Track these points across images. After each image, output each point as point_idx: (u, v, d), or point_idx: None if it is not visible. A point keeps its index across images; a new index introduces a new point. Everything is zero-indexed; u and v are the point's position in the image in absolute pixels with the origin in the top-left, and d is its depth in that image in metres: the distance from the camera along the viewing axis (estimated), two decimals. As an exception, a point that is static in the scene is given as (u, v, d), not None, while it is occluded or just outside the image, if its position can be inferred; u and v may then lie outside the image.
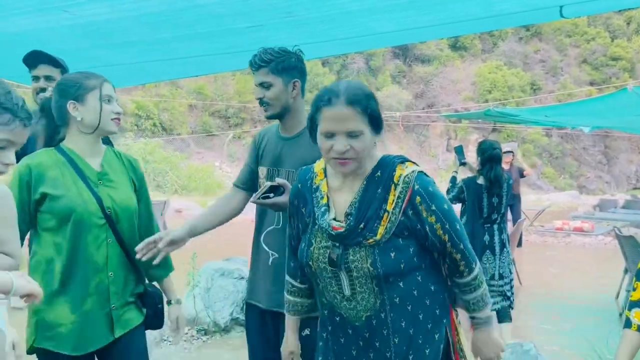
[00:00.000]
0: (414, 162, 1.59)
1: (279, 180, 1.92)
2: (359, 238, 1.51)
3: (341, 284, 1.56)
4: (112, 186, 1.93)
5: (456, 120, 28.63)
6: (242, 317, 4.53)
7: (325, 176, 1.60)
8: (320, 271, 1.58)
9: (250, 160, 2.23)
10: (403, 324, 1.55)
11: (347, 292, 1.56)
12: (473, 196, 4.41)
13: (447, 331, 1.65)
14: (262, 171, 2.16)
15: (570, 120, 8.24)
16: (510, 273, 4.69)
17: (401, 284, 1.54)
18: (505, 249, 4.55)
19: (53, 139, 1.95)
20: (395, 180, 1.51)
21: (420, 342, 1.57)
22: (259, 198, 1.92)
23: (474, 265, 1.60)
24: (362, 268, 1.51)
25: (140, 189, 2.04)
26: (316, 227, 1.58)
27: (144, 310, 2.04)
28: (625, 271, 5.84)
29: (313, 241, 1.58)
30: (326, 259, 1.55)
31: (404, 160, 1.57)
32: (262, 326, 2.18)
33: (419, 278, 1.56)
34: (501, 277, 4.55)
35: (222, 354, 4.26)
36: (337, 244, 1.54)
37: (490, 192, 4.41)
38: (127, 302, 1.96)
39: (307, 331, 2.05)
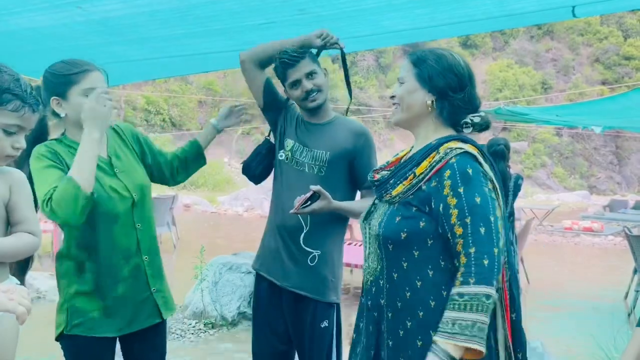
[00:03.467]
0: (477, 147, 1.45)
1: (313, 188, 1.96)
2: (383, 191, 1.49)
3: (366, 237, 1.55)
4: (125, 171, 1.90)
5: (466, 118, 28.52)
6: (249, 311, 4.56)
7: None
8: (361, 225, 1.59)
9: (282, 96, 2.30)
10: (399, 306, 1.43)
11: (365, 249, 1.53)
12: None
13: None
14: (289, 143, 2.21)
15: (582, 120, 8.18)
16: (517, 272, 4.71)
17: (404, 263, 1.41)
18: (512, 248, 4.55)
19: (42, 134, 1.89)
20: (440, 150, 1.42)
21: (419, 343, 1.40)
22: (302, 208, 1.96)
23: (483, 282, 1.29)
24: (374, 225, 1.48)
25: (143, 144, 2.06)
26: None
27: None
28: (635, 271, 5.82)
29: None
30: (366, 211, 1.58)
31: (466, 140, 1.46)
32: (270, 304, 2.22)
33: (421, 263, 1.40)
34: None
35: (229, 348, 4.29)
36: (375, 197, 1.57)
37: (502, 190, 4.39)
38: (163, 285, 1.99)
39: (325, 323, 2.09)
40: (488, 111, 10.41)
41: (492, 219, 1.34)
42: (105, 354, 1.89)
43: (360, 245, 4.56)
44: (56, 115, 1.83)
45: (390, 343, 1.45)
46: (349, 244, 6.84)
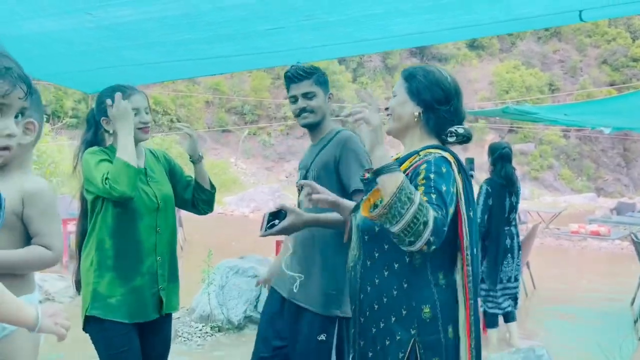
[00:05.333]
0: (455, 157, 1.61)
1: (277, 205, 2.02)
2: (369, 188, 1.62)
3: (352, 228, 1.74)
4: (157, 181, 2.27)
5: (472, 119, 28.41)
6: (255, 315, 4.58)
7: None
8: (350, 217, 1.78)
9: None
10: (369, 289, 1.61)
11: (353, 236, 1.72)
12: (498, 197, 4.37)
13: (418, 348, 1.53)
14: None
15: (590, 120, 8.08)
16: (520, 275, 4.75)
17: (376, 253, 1.59)
18: (519, 252, 4.56)
19: (97, 141, 2.29)
20: (420, 153, 1.60)
21: (381, 325, 1.58)
22: (266, 230, 1.96)
23: (430, 210, 1.43)
24: (358, 217, 1.67)
25: (173, 165, 2.42)
26: None
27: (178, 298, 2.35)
28: (642, 277, 5.79)
29: None
30: (354, 205, 1.79)
31: (447, 150, 1.62)
32: (278, 313, 2.30)
33: (389, 255, 1.56)
34: (516, 279, 4.56)
35: (235, 351, 4.31)
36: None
37: (509, 191, 4.40)
38: (173, 285, 2.28)
39: (323, 336, 2.08)
40: (495, 111, 10.39)
41: (449, 202, 1.48)
42: (122, 337, 2.12)
43: None
44: (106, 130, 2.22)
45: (362, 320, 1.64)
46: None
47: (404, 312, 1.55)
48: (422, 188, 1.48)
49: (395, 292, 1.56)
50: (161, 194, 2.25)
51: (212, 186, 2.45)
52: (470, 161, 4.90)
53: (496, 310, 4.45)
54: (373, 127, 1.46)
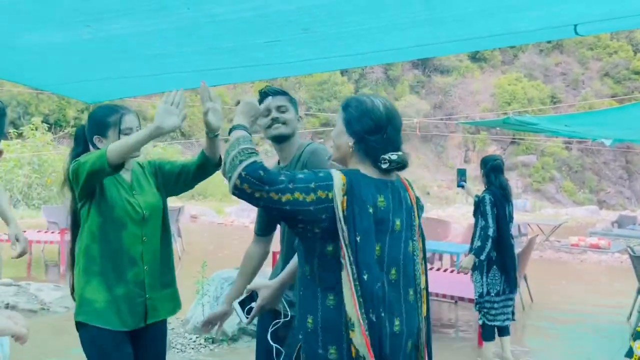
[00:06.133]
0: (346, 176, 1.70)
1: (245, 292, 2.04)
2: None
3: None
4: (143, 193, 2.32)
5: (474, 131, 28.43)
6: (249, 326, 4.55)
7: None
8: None
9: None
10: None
11: None
12: (501, 206, 4.37)
13: (302, 355, 1.65)
14: None
15: (591, 132, 8.06)
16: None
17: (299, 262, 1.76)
18: (517, 263, 4.55)
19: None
20: None
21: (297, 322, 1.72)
22: (246, 317, 2.00)
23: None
24: None
25: (161, 166, 2.44)
26: None
27: (177, 303, 2.39)
28: (638, 291, 5.75)
29: None
30: None
31: (345, 172, 1.72)
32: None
33: (299, 268, 1.73)
34: (515, 291, 4.54)
35: (230, 363, 4.29)
36: None
37: (508, 200, 4.42)
38: (161, 294, 2.30)
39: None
40: (496, 121, 10.39)
41: (290, 180, 1.58)
42: (110, 344, 2.14)
43: (466, 274, 4.44)
44: (97, 149, 2.27)
45: None
46: (452, 271, 6.50)
47: (299, 317, 1.70)
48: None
49: (299, 296, 1.72)
50: (147, 204, 2.30)
51: (218, 163, 2.39)
52: (461, 172, 4.90)
53: (495, 323, 4.43)
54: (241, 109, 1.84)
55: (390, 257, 1.65)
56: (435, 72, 31.22)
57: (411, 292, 1.70)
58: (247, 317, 1.99)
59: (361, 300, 1.56)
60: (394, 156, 1.68)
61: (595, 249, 10.50)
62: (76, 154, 2.31)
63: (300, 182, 1.58)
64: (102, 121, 2.28)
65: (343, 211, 1.58)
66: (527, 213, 20.45)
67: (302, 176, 1.60)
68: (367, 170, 1.70)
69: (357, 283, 1.57)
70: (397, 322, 1.63)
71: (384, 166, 1.68)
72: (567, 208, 24.40)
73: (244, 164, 1.56)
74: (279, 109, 2.33)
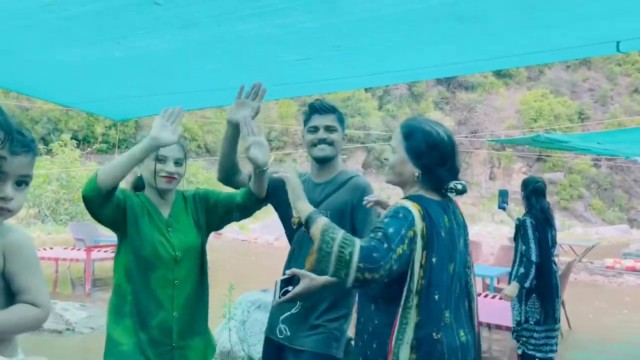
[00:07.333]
0: (422, 206, 1.73)
1: (288, 272, 1.98)
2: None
3: None
4: (177, 231, 2.14)
5: (500, 148, 28.07)
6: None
7: None
8: None
9: (278, 179, 2.35)
10: (362, 320, 1.78)
11: None
12: (542, 230, 4.22)
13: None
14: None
15: (624, 149, 7.83)
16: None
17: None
18: (559, 290, 4.38)
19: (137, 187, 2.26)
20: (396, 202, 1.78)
21: (369, 353, 1.72)
22: (279, 298, 1.94)
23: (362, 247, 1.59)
24: None
25: (208, 198, 2.25)
26: None
27: (211, 349, 2.21)
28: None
29: None
30: None
31: (414, 199, 1.76)
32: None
33: (377, 296, 1.75)
34: (557, 320, 4.33)
35: (256, 388, 4.19)
36: None
37: (550, 224, 4.28)
38: (192, 343, 2.12)
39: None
40: (525, 139, 10.19)
41: (396, 240, 1.57)
42: None
43: (508, 301, 4.33)
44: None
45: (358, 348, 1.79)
46: (485, 295, 6.19)
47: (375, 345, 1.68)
48: (373, 228, 1.63)
49: (375, 323, 1.70)
50: (181, 244, 2.12)
51: (264, 199, 2.26)
52: (504, 193, 4.76)
53: (535, 353, 4.23)
54: (292, 186, 1.77)
55: (458, 273, 1.72)
56: (460, 88, 31.04)
57: (466, 305, 1.77)
58: (279, 298, 1.93)
59: (424, 319, 1.61)
60: (459, 185, 1.75)
61: (632, 272, 10.12)
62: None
63: (395, 236, 1.58)
64: None
65: (423, 237, 1.63)
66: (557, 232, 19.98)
67: (392, 230, 1.59)
68: (430, 194, 1.75)
69: (425, 302, 1.62)
70: (462, 333, 1.68)
71: (451, 195, 1.76)
72: (597, 227, 23.80)
73: (355, 255, 1.49)
74: (327, 128, 2.23)
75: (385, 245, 1.54)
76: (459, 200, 1.87)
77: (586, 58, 31.08)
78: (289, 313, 2.14)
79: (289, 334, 2.16)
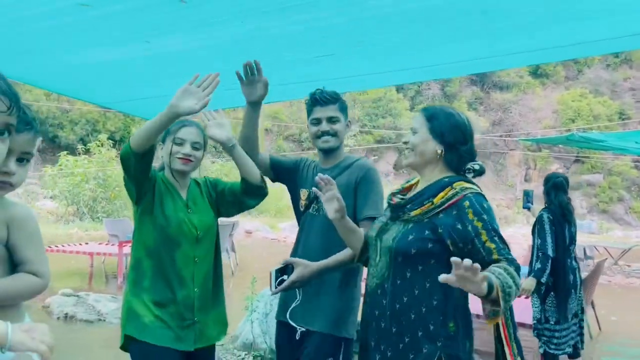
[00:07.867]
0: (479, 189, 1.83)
1: (282, 262, 2.04)
2: (400, 213, 1.80)
3: (376, 250, 1.85)
4: (197, 212, 2.23)
5: (536, 149, 27.46)
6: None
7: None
8: (371, 239, 1.90)
9: (290, 162, 2.49)
10: (397, 307, 1.73)
11: (375, 258, 1.84)
12: (559, 225, 4.13)
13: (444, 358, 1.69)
14: (304, 193, 2.37)
15: (665, 149, 7.53)
16: None
17: (408, 273, 1.73)
18: (581, 287, 4.29)
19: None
20: (454, 185, 1.75)
21: (407, 340, 1.70)
22: (275, 287, 2.02)
23: (518, 272, 1.67)
24: (387, 239, 1.79)
25: (216, 185, 2.35)
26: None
27: (224, 326, 2.30)
28: None
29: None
30: (378, 228, 1.89)
31: (472, 182, 1.81)
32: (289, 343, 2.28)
33: (421, 276, 1.72)
34: (576, 316, 4.27)
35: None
36: (388, 217, 1.86)
37: (568, 220, 4.18)
38: (210, 317, 2.21)
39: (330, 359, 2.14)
40: (559, 138, 9.94)
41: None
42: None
43: (527, 297, 4.29)
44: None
45: (385, 336, 1.76)
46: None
47: (431, 327, 1.70)
48: (484, 232, 1.67)
49: (424, 310, 1.70)
50: (201, 223, 2.21)
51: (262, 179, 2.25)
52: (528, 193, 4.66)
53: (557, 351, 4.15)
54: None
55: None
56: (494, 88, 30.51)
57: None
58: (276, 288, 2.01)
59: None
60: (476, 165, 1.83)
61: (671, 275, 9.77)
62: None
63: (499, 230, 1.71)
64: (167, 129, 2.20)
65: None
66: (593, 235, 19.42)
67: (496, 226, 1.72)
68: (448, 174, 1.82)
69: None
70: None
71: (469, 175, 1.82)
72: (638, 230, 23.04)
73: (517, 285, 1.60)
74: (330, 120, 2.26)
75: (508, 250, 1.69)
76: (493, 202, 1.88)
77: (627, 56, 30.12)
78: (293, 305, 2.18)
79: (298, 318, 2.20)
